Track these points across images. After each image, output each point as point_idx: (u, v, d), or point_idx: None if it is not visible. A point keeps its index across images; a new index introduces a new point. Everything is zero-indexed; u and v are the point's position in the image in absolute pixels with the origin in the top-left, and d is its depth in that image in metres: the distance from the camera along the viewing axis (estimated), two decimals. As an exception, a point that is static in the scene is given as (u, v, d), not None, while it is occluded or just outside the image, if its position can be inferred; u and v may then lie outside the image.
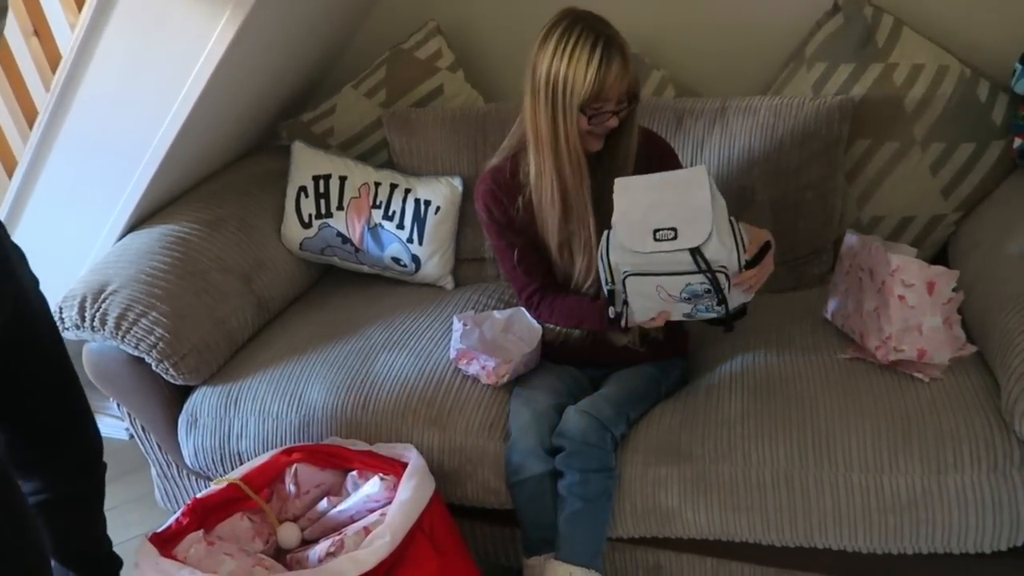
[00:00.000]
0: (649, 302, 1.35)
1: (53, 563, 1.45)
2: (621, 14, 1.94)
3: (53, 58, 1.95)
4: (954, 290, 1.43)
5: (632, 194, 1.28)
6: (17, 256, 1.34)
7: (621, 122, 1.42)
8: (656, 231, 1.24)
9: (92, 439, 1.48)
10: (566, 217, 1.48)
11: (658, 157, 1.52)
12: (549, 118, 1.40)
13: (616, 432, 1.43)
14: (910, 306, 1.41)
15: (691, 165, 1.80)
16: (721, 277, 1.26)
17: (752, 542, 1.41)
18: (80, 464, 1.47)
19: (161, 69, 1.67)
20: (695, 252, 1.24)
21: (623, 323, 1.39)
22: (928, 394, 1.39)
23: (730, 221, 1.29)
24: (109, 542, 1.61)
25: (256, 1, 1.56)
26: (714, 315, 1.36)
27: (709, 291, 1.28)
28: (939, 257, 1.80)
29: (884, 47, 1.77)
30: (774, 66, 1.90)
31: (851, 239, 1.57)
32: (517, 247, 1.54)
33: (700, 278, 1.26)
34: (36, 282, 1.38)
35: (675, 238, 1.24)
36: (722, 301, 1.30)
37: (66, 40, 1.76)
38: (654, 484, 1.41)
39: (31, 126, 1.91)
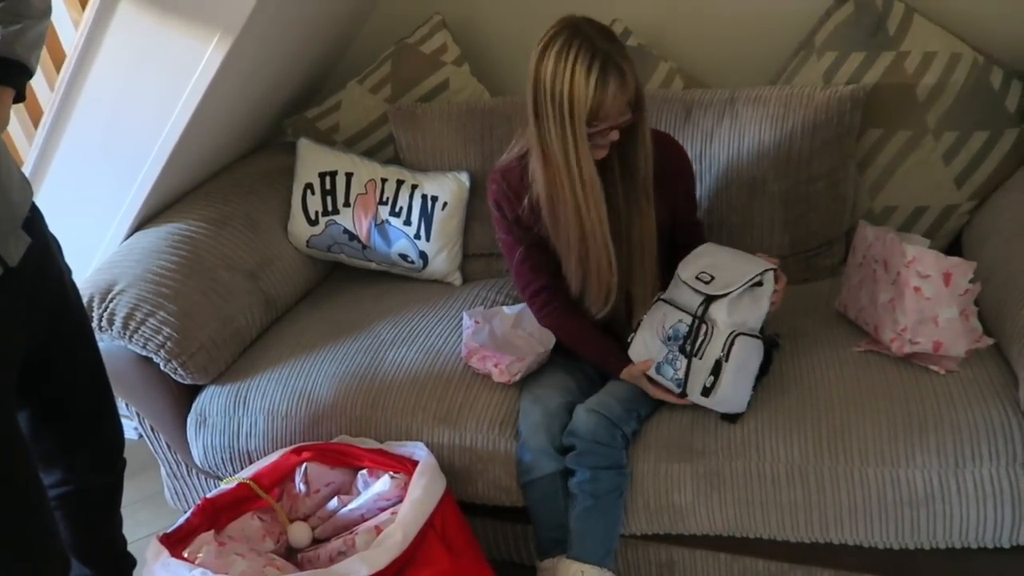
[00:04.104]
0: (650, 334, 1.44)
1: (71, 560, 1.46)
2: (628, 4, 1.94)
3: (57, 57, 1.95)
4: (971, 281, 1.41)
5: (724, 249, 1.47)
6: (55, 245, 1.36)
7: (630, 130, 1.40)
8: (702, 272, 1.40)
9: (115, 433, 1.49)
10: (582, 234, 1.45)
11: (673, 171, 1.51)
12: (560, 137, 1.36)
13: (627, 429, 1.42)
14: (926, 298, 1.39)
15: (700, 159, 1.78)
16: (704, 329, 1.36)
17: (766, 538, 1.40)
18: (102, 457, 1.48)
19: (166, 67, 1.66)
20: (706, 299, 1.38)
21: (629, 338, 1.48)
22: (944, 387, 1.37)
23: (757, 334, 1.38)
24: (124, 540, 1.61)
25: (259, 0, 1.55)
26: (672, 380, 1.40)
27: (687, 337, 1.38)
28: (953, 247, 1.78)
29: (895, 35, 1.74)
30: (783, 56, 1.87)
31: (865, 230, 1.55)
32: (524, 244, 1.53)
33: (689, 320, 1.39)
34: (70, 271, 1.39)
35: (708, 283, 1.38)
36: (686, 354, 1.38)
37: (70, 39, 1.75)
38: (667, 481, 1.40)
39: (36, 126, 1.90)
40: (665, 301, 1.44)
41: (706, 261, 1.42)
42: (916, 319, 1.40)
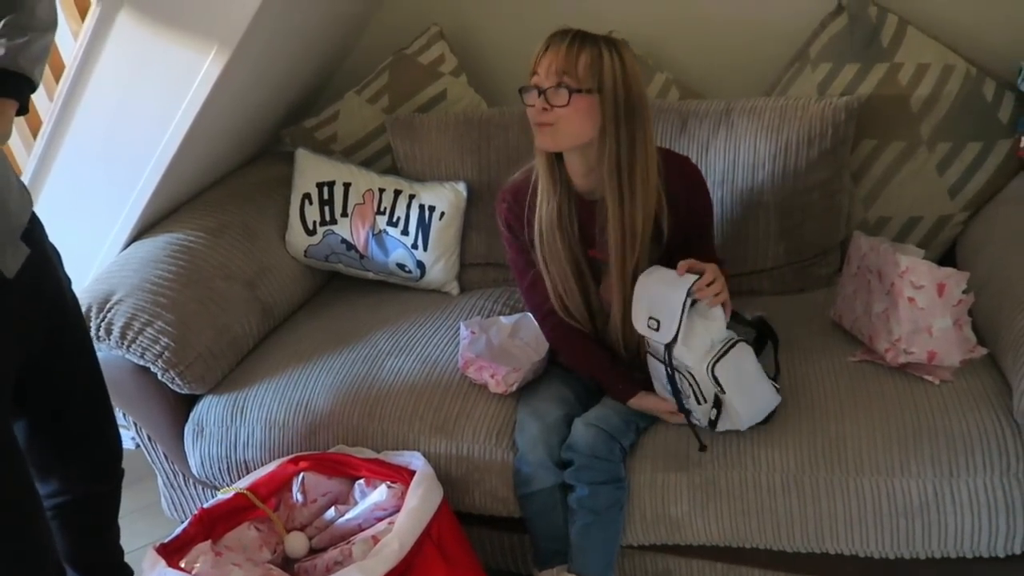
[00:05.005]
0: (656, 382, 1.44)
1: (67, 570, 1.45)
2: (624, 16, 1.95)
3: (56, 67, 1.95)
4: (964, 292, 1.42)
5: (652, 277, 1.37)
6: (55, 255, 1.36)
7: (602, 129, 1.34)
8: (650, 318, 1.35)
9: (113, 442, 1.48)
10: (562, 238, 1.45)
11: (684, 193, 1.43)
12: None
13: (625, 443, 1.42)
14: (920, 308, 1.40)
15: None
16: (683, 381, 1.34)
17: (762, 547, 1.40)
18: (99, 467, 1.48)
19: (164, 78, 1.67)
20: (667, 347, 1.34)
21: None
22: (939, 397, 1.38)
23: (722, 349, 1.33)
24: (121, 550, 1.61)
25: (257, 12, 1.56)
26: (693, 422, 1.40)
27: (675, 392, 1.36)
28: (947, 258, 1.79)
29: (889, 47, 1.76)
30: (778, 67, 1.89)
31: (859, 240, 1.56)
32: (536, 267, 1.49)
33: (669, 371, 1.36)
34: (69, 282, 1.39)
35: (657, 329, 1.35)
36: (684, 409, 1.37)
37: (69, 49, 1.76)
38: (663, 491, 1.40)
39: (35, 136, 1.91)
40: (648, 351, 1.41)
41: (645, 303, 1.36)
42: (910, 329, 1.41)
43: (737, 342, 1.34)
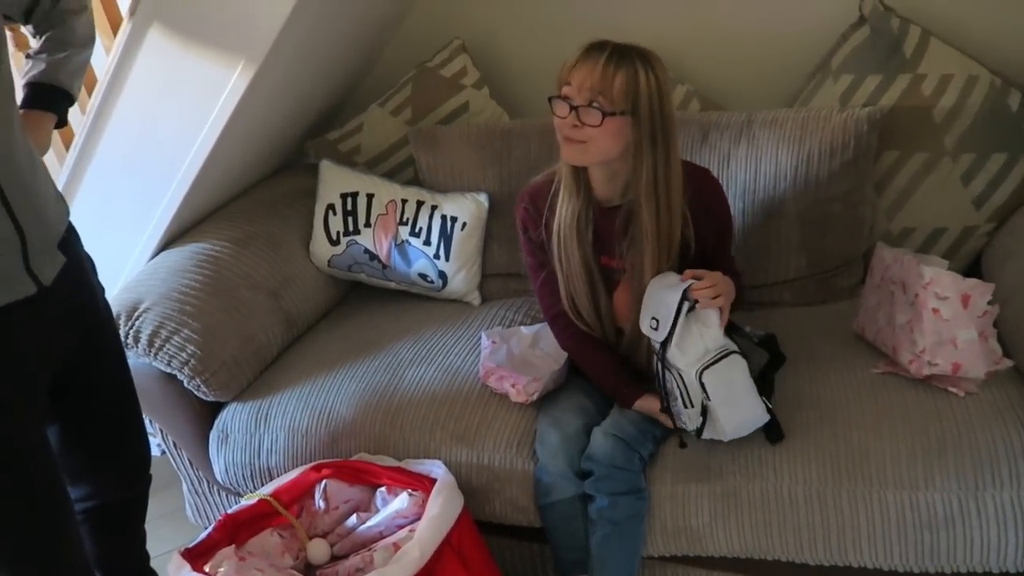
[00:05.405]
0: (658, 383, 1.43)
1: (95, 574, 1.48)
2: (645, 28, 1.96)
3: (88, 81, 2.00)
4: (989, 303, 1.40)
5: (658, 281, 1.40)
6: (89, 264, 1.38)
7: (634, 152, 1.35)
8: (652, 318, 1.37)
9: (142, 448, 1.50)
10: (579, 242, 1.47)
11: (703, 206, 1.44)
12: None
13: (643, 452, 1.42)
14: (944, 319, 1.39)
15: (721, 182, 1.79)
16: (673, 381, 1.36)
17: (784, 560, 1.39)
18: (129, 473, 1.50)
19: (192, 92, 1.70)
20: (662, 346, 1.35)
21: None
22: (964, 409, 1.37)
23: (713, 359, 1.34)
24: (147, 555, 1.63)
25: (284, 25, 1.59)
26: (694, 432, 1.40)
27: (664, 395, 1.39)
28: (972, 269, 1.77)
29: (912, 58, 1.75)
30: (800, 78, 1.89)
31: (882, 251, 1.55)
32: (548, 268, 1.52)
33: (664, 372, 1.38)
34: (103, 290, 1.41)
35: (656, 329, 1.36)
36: (670, 412, 1.39)
37: (101, 64, 1.80)
38: (684, 502, 1.40)
39: (67, 148, 1.95)
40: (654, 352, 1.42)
41: (650, 305, 1.38)
42: (934, 341, 1.40)
43: (731, 353, 1.34)
